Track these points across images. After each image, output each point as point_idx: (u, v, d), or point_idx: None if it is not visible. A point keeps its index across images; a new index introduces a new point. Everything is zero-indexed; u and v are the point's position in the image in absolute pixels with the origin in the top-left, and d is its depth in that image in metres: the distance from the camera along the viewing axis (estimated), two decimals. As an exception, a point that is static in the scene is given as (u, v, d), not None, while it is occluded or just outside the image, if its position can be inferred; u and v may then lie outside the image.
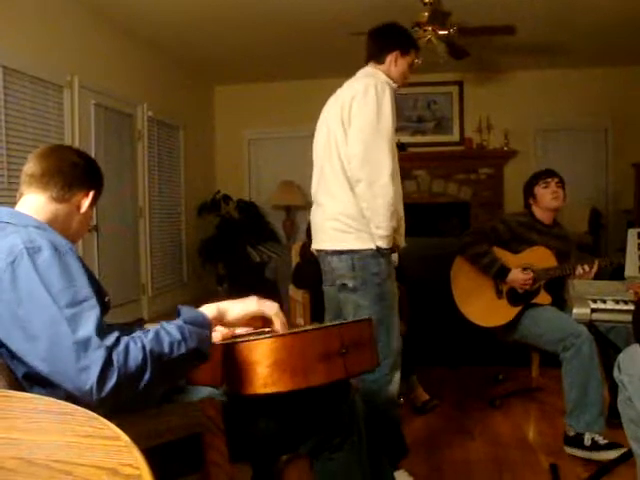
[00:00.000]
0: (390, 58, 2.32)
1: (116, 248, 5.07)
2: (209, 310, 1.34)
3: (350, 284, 2.19)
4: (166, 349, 1.18)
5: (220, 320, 1.37)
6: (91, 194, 1.46)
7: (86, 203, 1.45)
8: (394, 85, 2.31)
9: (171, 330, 1.21)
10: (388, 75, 2.31)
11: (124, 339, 1.15)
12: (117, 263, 5.09)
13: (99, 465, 0.70)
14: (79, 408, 0.88)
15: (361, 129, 2.11)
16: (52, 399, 0.97)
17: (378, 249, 2.12)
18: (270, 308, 1.42)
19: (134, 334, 1.19)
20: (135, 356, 1.13)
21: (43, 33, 4.14)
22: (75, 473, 0.69)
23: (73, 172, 1.42)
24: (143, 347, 1.15)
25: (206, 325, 1.28)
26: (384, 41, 2.35)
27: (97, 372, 1.08)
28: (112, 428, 0.80)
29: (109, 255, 4.90)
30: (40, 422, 0.86)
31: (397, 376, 2.22)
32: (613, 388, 2.41)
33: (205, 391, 1.45)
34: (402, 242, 2.28)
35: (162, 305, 5.87)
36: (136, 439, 0.76)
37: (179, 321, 1.25)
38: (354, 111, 2.13)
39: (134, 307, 5.41)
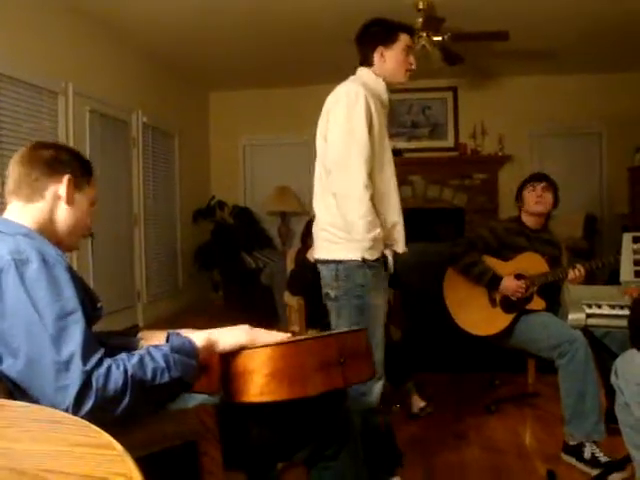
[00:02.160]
0: (376, 57, 2.23)
1: (111, 255, 5.05)
2: (199, 339, 1.30)
3: (332, 293, 2.17)
4: (149, 376, 1.17)
5: (210, 350, 1.32)
6: (65, 179, 1.36)
7: (62, 189, 1.35)
8: (397, 80, 2.25)
9: (156, 357, 1.20)
10: (383, 74, 2.24)
11: (107, 361, 1.14)
12: (112, 270, 5.07)
13: (91, 474, 0.70)
14: (71, 416, 0.87)
15: (333, 142, 2.11)
16: (44, 407, 0.96)
17: (364, 260, 2.09)
18: (265, 339, 1.37)
19: (118, 356, 1.18)
20: (116, 380, 1.12)
21: (37, 40, 4.13)
22: (66, 483, 0.68)
23: (38, 167, 1.35)
24: (125, 371, 1.14)
25: (193, 355, 1.26)
26: (365, 42, 2.28)
27: (74, 393, 1.08)
28: (105, 437, 0.79)
29: (104, 262, 4.88)
30: (31, 431, 0.85)
31: (377, 387, 2.16)
32: (610, 393, 2.41)
33: (200, 398, 1.44)
34: (400, 248, 2.23)
35: (157, 312, 5.85)
36: (130, 447, 0.75)
37: (166, 347, 1.24)
38: (330, 124, 2.13)
39: (129, 314, 5.39)
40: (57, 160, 1.37)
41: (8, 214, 1.35)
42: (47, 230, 1.33)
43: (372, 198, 2.07)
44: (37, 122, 4.13)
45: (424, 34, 4.53)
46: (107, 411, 1.12)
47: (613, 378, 1.85)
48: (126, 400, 1.13)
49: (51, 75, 4.26)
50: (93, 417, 1.06)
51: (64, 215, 1.37)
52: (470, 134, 6.89)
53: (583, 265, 2.78)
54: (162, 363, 1.19)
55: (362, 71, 2.27)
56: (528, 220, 2.99)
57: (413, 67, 2.27)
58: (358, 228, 2.05)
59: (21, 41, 3.95)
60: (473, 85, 6.88)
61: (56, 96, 4.34)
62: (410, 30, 2.29)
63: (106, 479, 0.68)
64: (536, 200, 2.93)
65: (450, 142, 7.07)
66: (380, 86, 2.23)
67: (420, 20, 4.48)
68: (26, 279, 1.14)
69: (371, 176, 2.08)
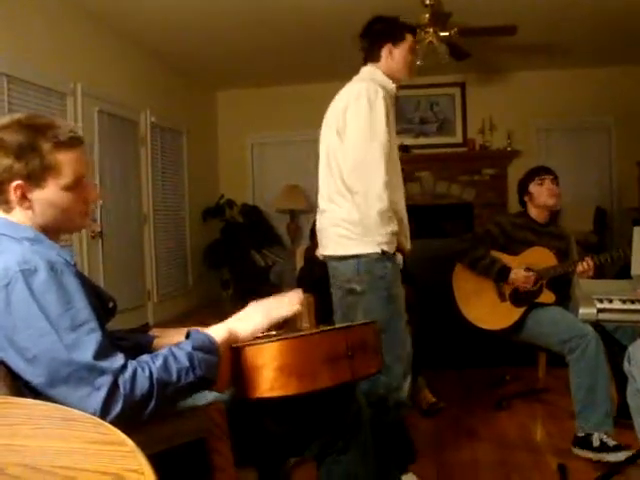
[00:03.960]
0: (384, 53, 2.28)
1: (121, 254, 5.07)
2: (219, 333, 1.30)
3: (358, 288, 2.18)
4: (174, 378, 1.17)
5: (231, 343, 1.32)
6: (13, 186, 1.21)
7: (13, 199, 1.23)
8: (401, 78, 2.30)
9: (180, 357, 1.20)
10: (388, 71, 2.28)
11: (132, 365, 1.14)
12: (122, 269, 5.09)
13: (104, 471, 0.70)
14: (84, 414, 0.88)
15: (353, 139, 2.12)
16: (57, 405, 0.97)
17: (383, 252, 2.11)
18: (279, 312, 1.37)
19: (142, 359, 1.18)
20: (142, 384, 1.12)
21: (46, 41, 4.15)
22: (79, 479, 0.69)
23: None
24: (150, 375, 1.14)
25: (215, 351, 1.26)
26: (373, 38, 2.31)
27: (102, 399, 1.08)
28: (117, 434, 0.80)
29: (114, 261, 4.90)
30: (44, 428, 0.85)
31: (407, 382, 2.19)
32: (621, 388, 2.40)
33: (210, 395, 1.44)
34: (408, 245, 2.27)
35: (167, 311, 5.88)
36: (141, 444, 0.75)
37: (188, 346, 1.23)
38: (347, 120, 2.13)
39: (139, 313, 5.41)
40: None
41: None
42: (43, 230, 1.28)
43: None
44: (46, 123, 4.15)
45: (431, 29, 4.51)
46: (134, 415, 1.12)
47: (626, 365, 1.85)
48: (152, 403, 1.13)
49: (60, 76, 4.28)
50: (120, 422, 1.05)
51: (41, 218, 1.26)
52: (478, 130, 6.86)
53: (592, 258, 2.76)
54: (186, 363, 1.19)
55: (370, 68, 2.29)
56: (537, 214, 2.96)
57: (415, 66, 2.36)
58: (378, 223, 2.07)
59: (30, 43, 3.98)
60: (481, 80, 6.85)
61: (65, 97, 4.36)
62: (414, 31, 2.36)
63: (119, 475, 0.69)
64: (549, 193, 2.90)
65: (458, 138, 7.04)
66: (389, 84, 2.27)
67: (427, 15, 4.46)
68: (35, 290, 1.12)
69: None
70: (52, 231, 1.31)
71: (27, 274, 1.13)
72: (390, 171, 2.16)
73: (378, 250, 2.11)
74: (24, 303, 1.11)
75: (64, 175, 1.25)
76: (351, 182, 2.11)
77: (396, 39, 2.28)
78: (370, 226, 2.09)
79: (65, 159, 1.25)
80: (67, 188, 1.26)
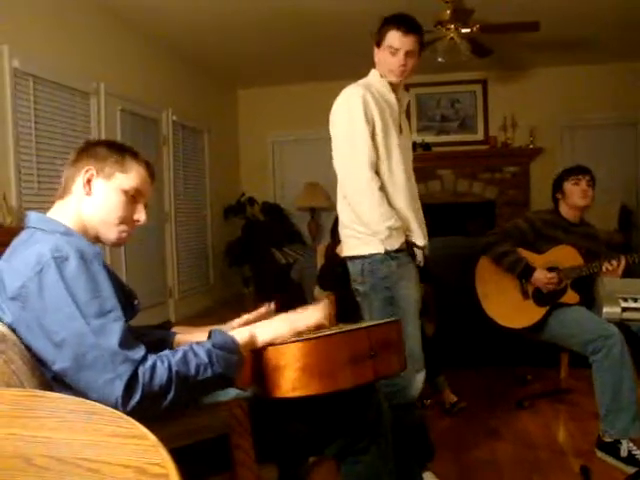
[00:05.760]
0: (375, 56, 2.25)
1: (143, 251, 5.13)
2: (240, 335, 1.32)
3: (361, 289, 2.21)
4: (192, 371, 1.19)
5: (252, 345, 1.34)
6: (82, 173, 1.35)
7: (79, 182, 1.35)
8: (392, 81, 2.21)
9: (199, 352, 1.22)
10: (381, 72, 2.23)
11: (152, 357, 1.17)
12: (144, 266, 5.15)
13: (127, 464, 0.71)
14: (107, 408, 0.89)
15: (335, 144, 2.17)
16: (81, 399, 0.98)
17: (387, 252, 2.11)
18: (305, 322, 1.39)
19: (162, 353, 1.20)
20: (161, 375, 1.15)
21: (69, 42, 4.21)
22: (103, 471, 0.70)
23: (68, 164, 1.39)
24: (169, 367, 1.16)
25: (235, 351, 1.28)
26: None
27: (123, 386, 1.10)
28: (140, 428, 0.81)
29: (136, 258, 4.96)
30: (69, 421, 0.87)
31: (418, 380, 2.17)
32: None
33: (233, 392, 1.45)
34: (418, 241, 2.21)
35: (189, 308, 5.93)
36: (164, 439, 0.76)
37: (208, 344, 1.25)
38: (332, 128, 2.20)
39: (161, 310, 5.47)
40: (84, 153, 1.38)
41: (49, 213, 1.37)
42: (80, 225, 1.35)
43: (382, 189, 2.11)
44: (70, 122, 4.21)
45: (452, 26, 4.48)
46: (152, 406, 1.14)
47: None
48: (170, 395, 1.15)
49: (83, 76, 4.34)
50: (138, 412, 1.08)
51: (88, 208, 1.36)
52: (500, 127, 6.80)
53: (617, 261, 2.70)
54: (205, 359, 1.21)
55: (371, 71, 2.29)
56: (567, 213, 2.91)
57: (399, 67, 2.17)
58: (372, 220, 2.09)
59: (54, 44, 4.04)
60: (503, 77, 6.78)
61: (88, 96, 4.42)
62: (398, 24, 2.15)
63: (141, 468, 0.70)
64: (581, 194, 2.84)
65: (480, 135, 6.99)
66: (384, 86, 2.22)
67: (448, 12, 4.44)
68: (66, 276, 1.16)
69: (378, 170, 2.12)
70: (89, 231, 1.37)
71: (59, 261, 1.17)
72: (394, 170, 2.16)
73: (381, 250, 2.11)
74: (55, 288, 1.15)
75: (129, 179, 1.38)
76: (341, 186, 2.19)
77: (379, 41, 2.21)
78: (367, 224, 2.11)
79: (137, 170, 1.40)
80: (125, 191, 1.38)
